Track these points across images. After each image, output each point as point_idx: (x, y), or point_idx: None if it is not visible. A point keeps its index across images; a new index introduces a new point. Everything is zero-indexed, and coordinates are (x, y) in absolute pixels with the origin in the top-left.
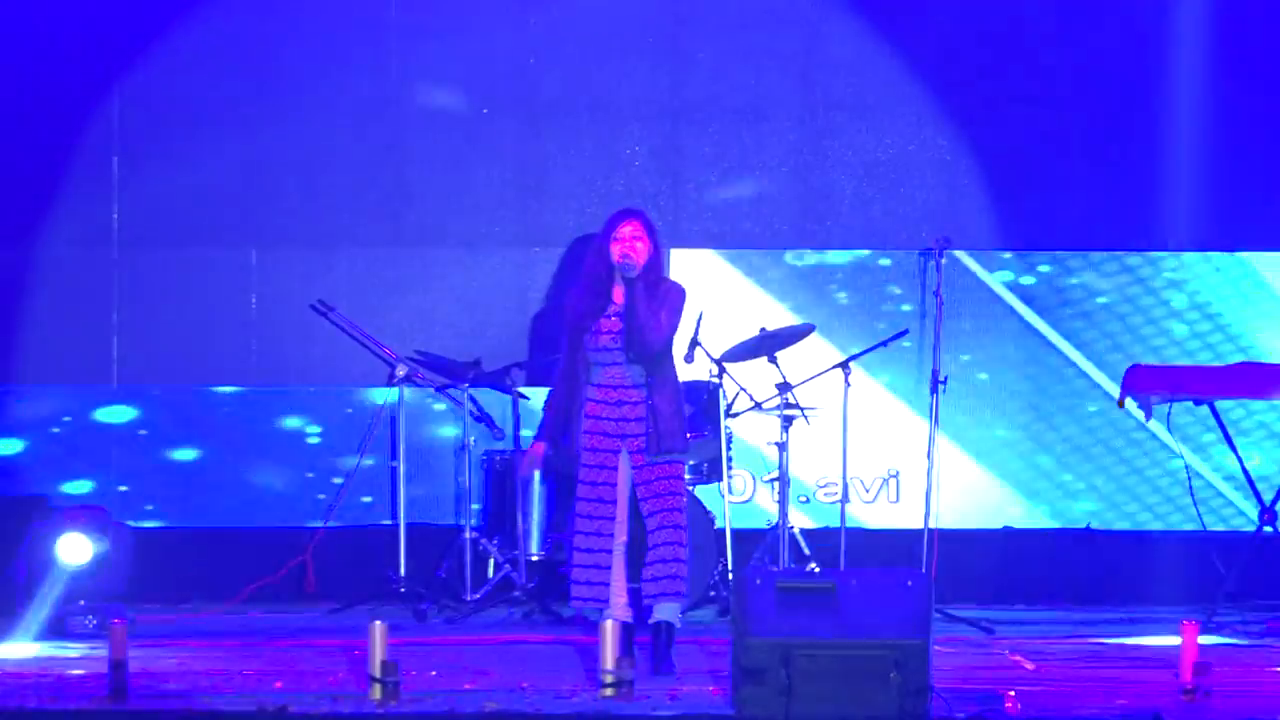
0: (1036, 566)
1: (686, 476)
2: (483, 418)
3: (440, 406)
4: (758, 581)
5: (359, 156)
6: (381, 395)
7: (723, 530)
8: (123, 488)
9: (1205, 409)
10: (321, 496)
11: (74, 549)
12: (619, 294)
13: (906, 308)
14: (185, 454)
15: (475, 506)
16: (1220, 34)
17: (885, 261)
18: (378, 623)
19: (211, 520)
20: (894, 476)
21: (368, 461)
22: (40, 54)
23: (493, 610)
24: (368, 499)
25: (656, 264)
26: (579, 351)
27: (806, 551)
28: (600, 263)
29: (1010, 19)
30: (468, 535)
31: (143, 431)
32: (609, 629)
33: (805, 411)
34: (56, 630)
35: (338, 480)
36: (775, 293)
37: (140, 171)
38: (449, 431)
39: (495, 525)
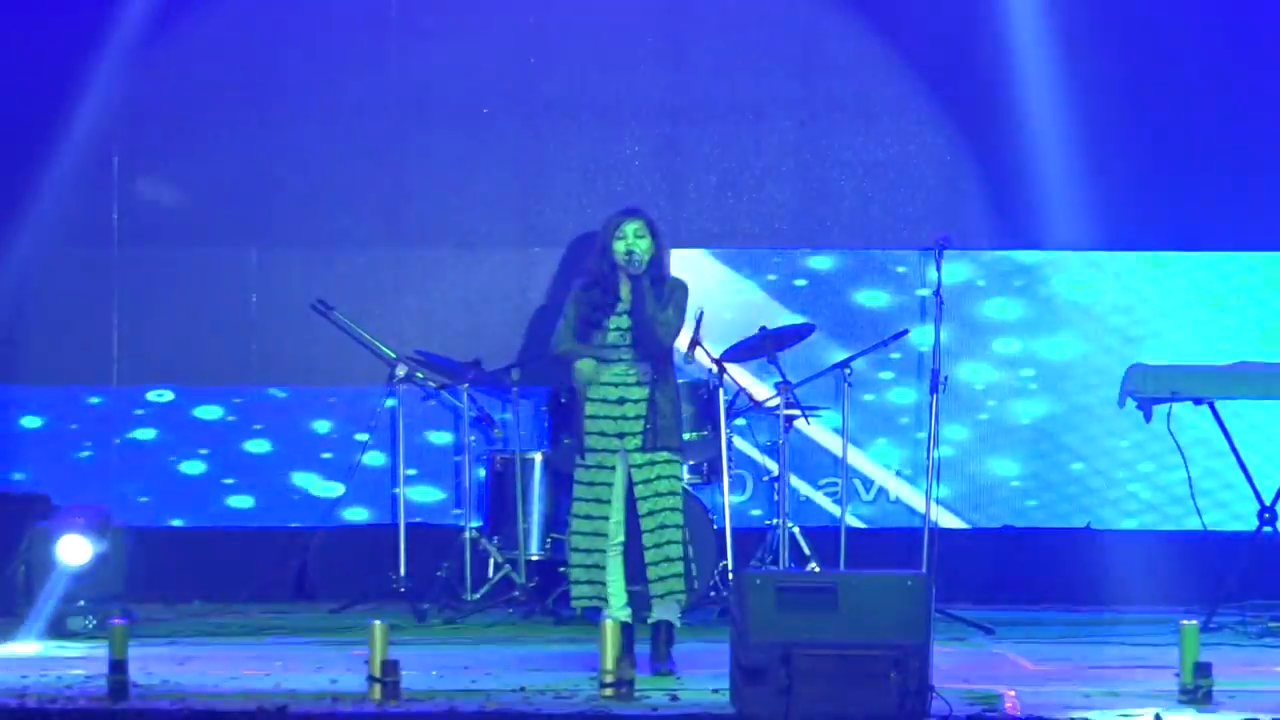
0: (1036, 566)
1: (686, 476)
2: (483, 417)
3: (440, 407)
4: (758, 581)
5: (359, 156)
6: (381, 395)
7: (723, 530)
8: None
9: (1205, 409)
10: (322, 496)
11: (74, 550)
12: (624, 292)
13: (906, 307)
14: (186, 454)
15: (475, 507)
16: (1219, 30)
17: (885, 261)
18: (378, 623)
19: (212, 520)
20: (899, 474)
21: (368, 461)
22: (40, 54)
23: (493, 610)
24: (368, 499)
25: (660, 261)
26: (585, 347)
27: (806, 551)
28: (604, 261)
29: (1009, 18)
30: (468, 535)
31: (145, 432)
32: (609, 629)
33: (805, 411)
34: (56, 630)
35: (338, 480)
36: (775, 293)
37: (140, 171)
38: (449, 432)
39: (495, 525)
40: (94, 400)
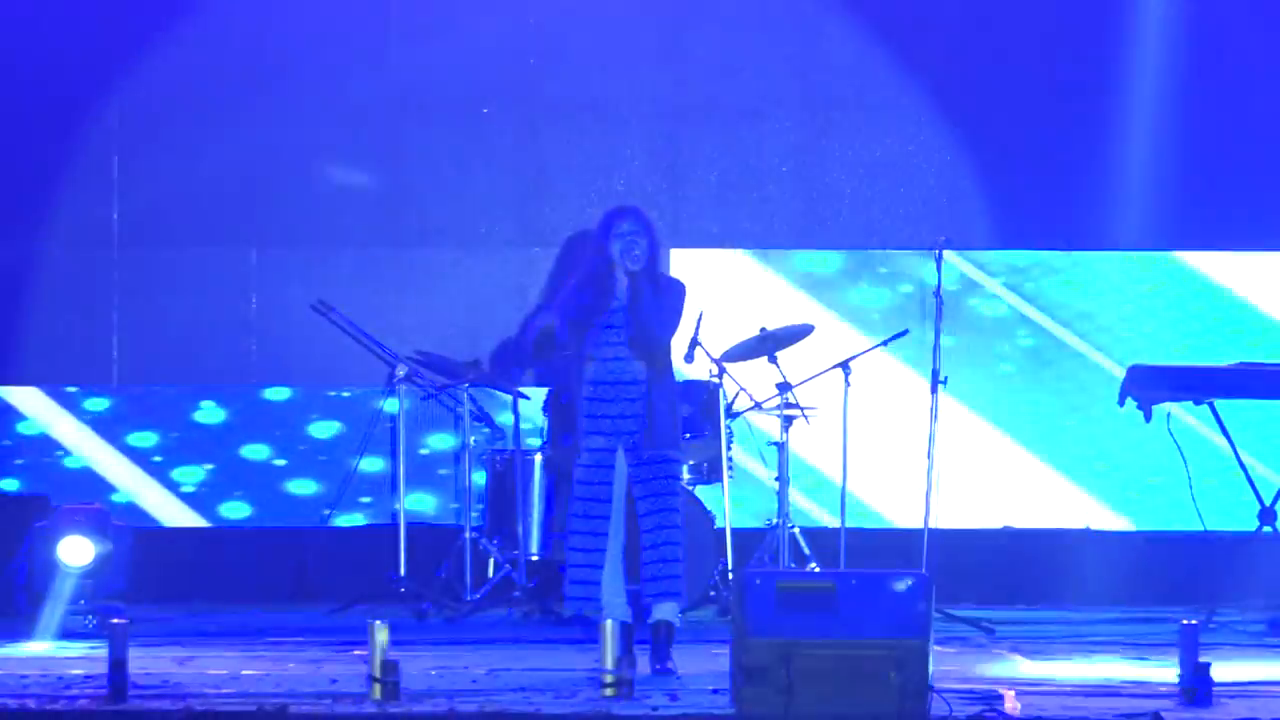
0: (1036, 566)
1: (686, 476)
2: (482, 418)
3: (440, 407)
4: (758, 581)
5: (359, 156)
6: (381, 395)
7: (723, 530)
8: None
9: (1205, 409)
10: (321, 496)
11: (75, 551)
12: (620, 291)
13: (906, 307)
14: (186, 454)
15: (476, 507)
16: (1215, 32)
17: (885, 261)
18: (378, 623)
19: (212, 520)
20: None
21: (368, 461)
22: (40, 54)
23: (493, 610)
24: (368, 499)
25: (657, 259)
26: (579, 348)
27: (806, 551)
28: (601, 260)
29: (1010, 19)
30: (468, 535)
31: (145, 433)
32: (609, 629)
33: (805, 411)
34: (56, 630)
35: (338, 480)
36: (775, 293)
37: (140, 171)
38: (448, 432)
39: (495, 525)
40: (94, 400)
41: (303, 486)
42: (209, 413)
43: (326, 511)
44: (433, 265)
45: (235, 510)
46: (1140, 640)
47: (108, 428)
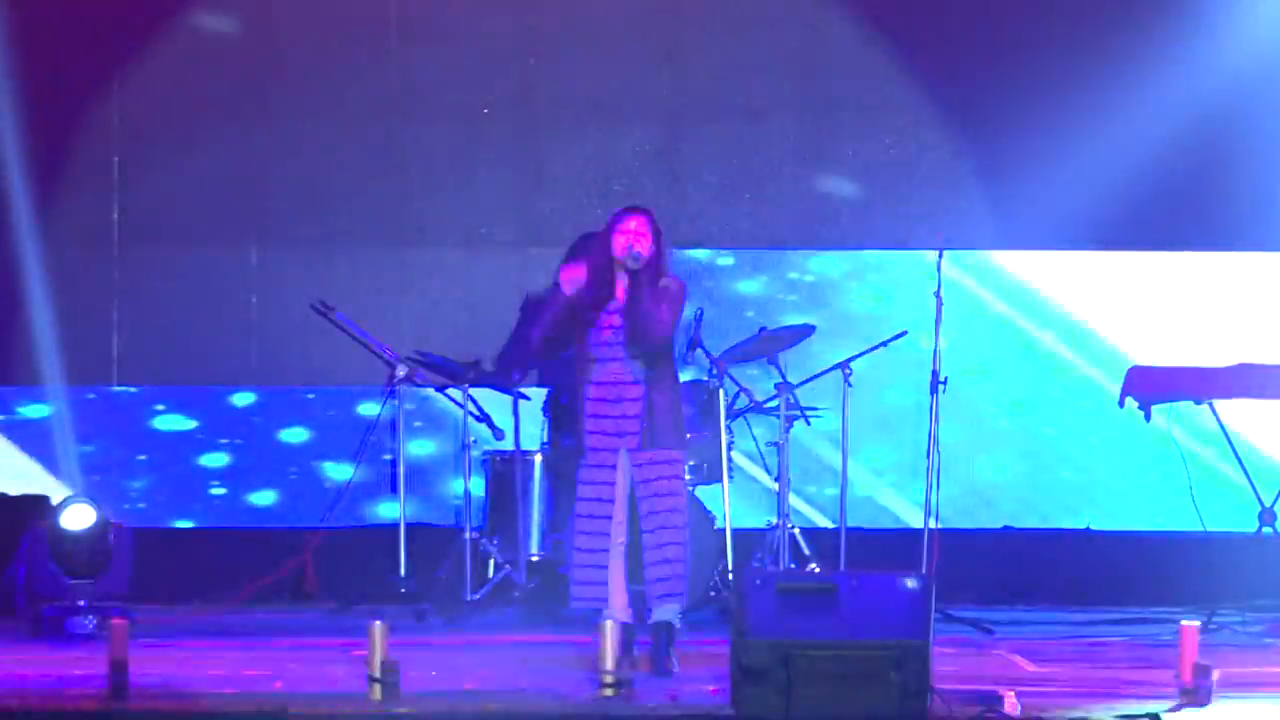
0: (1036, 566)
1: (687, 476)
2: (483, 418)
3: (440, 407)
4: (758, 581)
5: (359, 156)
6: (381, 395)
7: (723, 530)
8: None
9: (1205, 409)
10: (321, 496)
11: (77, 516)
12: (621, 290)
13: (906, 308)
14: (185, 454)
15: (475, 507)
16: (1215, 32)
17: (885, 261)
18: (378, 623)
19: (212, 520)
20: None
21: (367, 462)
22: (41, 54)
23: (493, 610)
24: (368, 499)
25: (659, 261)
26: (580, 346)
27: (806, 551)
28: (603, 256)
29: (1011, 18)
30: (468, 535)
31: (145, 432)
32: (609, 629)
33: (805, 412)
34: (56, 630)
35: (338, 480)
36: (775, 293)
37: (140, 171)
38: (448, 432)
39: (495, 526)
40: (93, 400)
41: (301, 487)
42: (208, 411)
43: (321, 524)
44: (433, 265)
45: (235, 510)
46: (1140, 640)
47: (107, 424)
